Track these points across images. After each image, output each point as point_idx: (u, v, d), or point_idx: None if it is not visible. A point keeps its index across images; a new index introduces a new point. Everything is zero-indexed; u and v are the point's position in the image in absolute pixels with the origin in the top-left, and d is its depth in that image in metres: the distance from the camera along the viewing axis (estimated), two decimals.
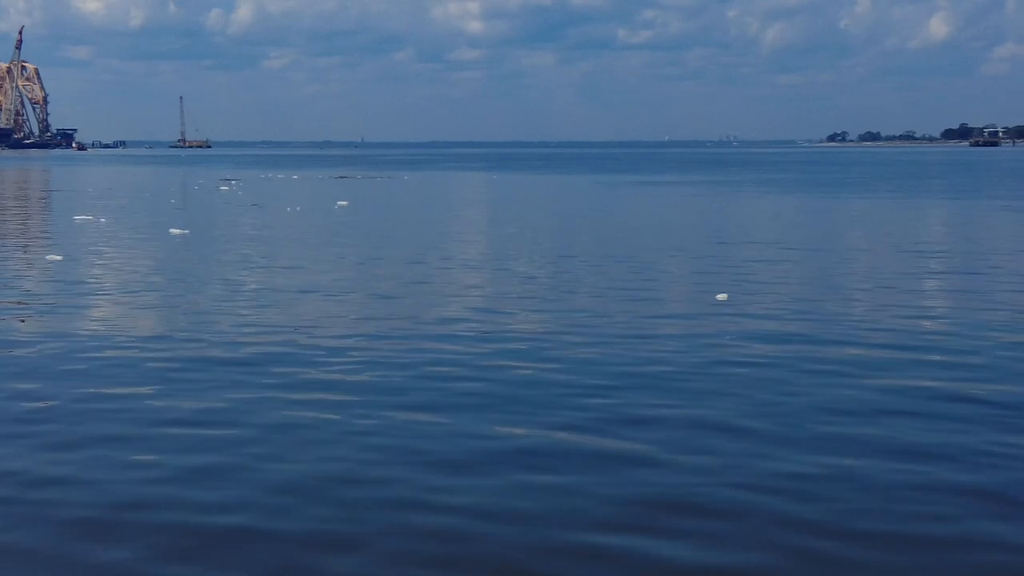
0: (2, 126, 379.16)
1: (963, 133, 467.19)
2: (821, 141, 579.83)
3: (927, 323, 22.09)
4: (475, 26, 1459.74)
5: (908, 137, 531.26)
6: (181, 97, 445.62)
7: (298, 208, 62.72)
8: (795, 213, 60.70)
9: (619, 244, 40.56)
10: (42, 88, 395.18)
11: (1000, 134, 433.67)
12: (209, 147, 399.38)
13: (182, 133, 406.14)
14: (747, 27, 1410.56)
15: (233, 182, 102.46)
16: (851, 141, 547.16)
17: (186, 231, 44.77)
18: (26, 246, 40.30)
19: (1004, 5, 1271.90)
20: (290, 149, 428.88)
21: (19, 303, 25.24)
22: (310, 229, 47.55)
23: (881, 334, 20.67)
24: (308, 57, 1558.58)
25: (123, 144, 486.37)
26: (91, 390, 16.28)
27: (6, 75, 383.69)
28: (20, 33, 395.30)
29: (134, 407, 15.25)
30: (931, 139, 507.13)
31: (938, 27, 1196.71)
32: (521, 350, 19.25)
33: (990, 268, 32.09)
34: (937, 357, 18.51)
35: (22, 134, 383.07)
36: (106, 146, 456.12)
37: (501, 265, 33.46)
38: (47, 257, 34.89)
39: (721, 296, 25.21)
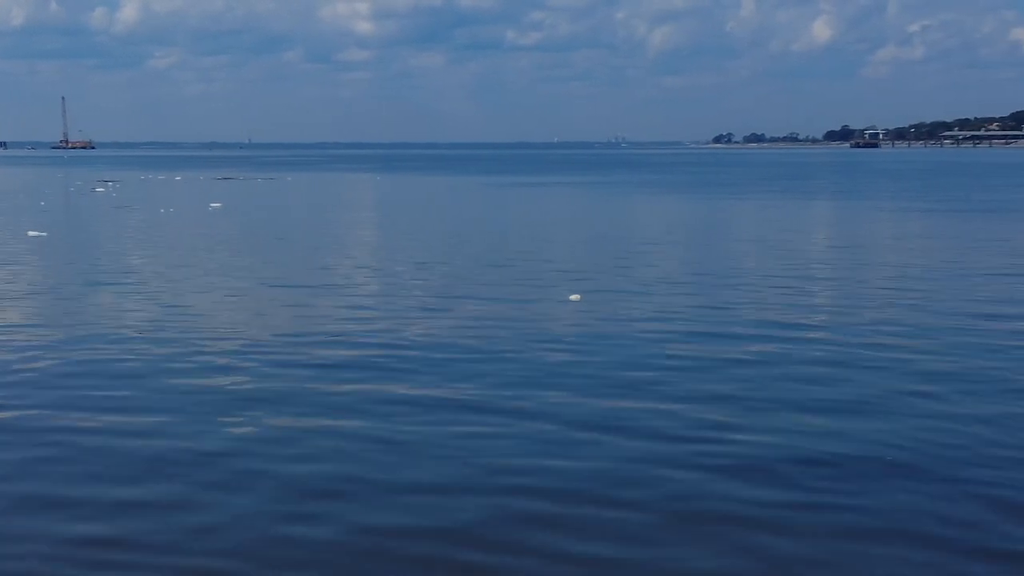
0: None
1: (845, 134, 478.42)
2: (707, 142, 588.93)
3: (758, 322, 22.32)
4: (364, 26, 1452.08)
5: (792, 138, 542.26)
6: (63, 97, 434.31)
7: (171, 210, 61.55)
8: (675, 214, 61.27)
9: (489, 243, 40.37)
10: None
11: (880, 135, 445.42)
12: (93, 148, 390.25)
13: (64, 134, 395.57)
14: (635, 29, 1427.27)
15: (111, 184, 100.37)
16: (736, 143, 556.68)
17: (44, 233, 43.63)
18: None
19: (885, 9, 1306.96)
20: (177, 150, 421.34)
21: None
22: (171, 232, 46.46)
23: (712, 339, 20.85)
24: (194, 57, 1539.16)
25: (3, 145, 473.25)
26: None
27: None
28: None
29: None
30: (814, 140, 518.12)
31: (821, 30, 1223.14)
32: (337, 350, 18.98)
33: (851, 267, 32.70)
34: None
35: None
36: None
37: (351, 268, 33.04)
38: None
39: (574, 296, 25.19)
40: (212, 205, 63.94)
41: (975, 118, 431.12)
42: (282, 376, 17.21)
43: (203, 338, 20.48)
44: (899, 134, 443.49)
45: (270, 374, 17.39)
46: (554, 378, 17.03)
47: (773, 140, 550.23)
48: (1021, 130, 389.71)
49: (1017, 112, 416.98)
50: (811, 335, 20.57)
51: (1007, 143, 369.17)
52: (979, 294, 26.25)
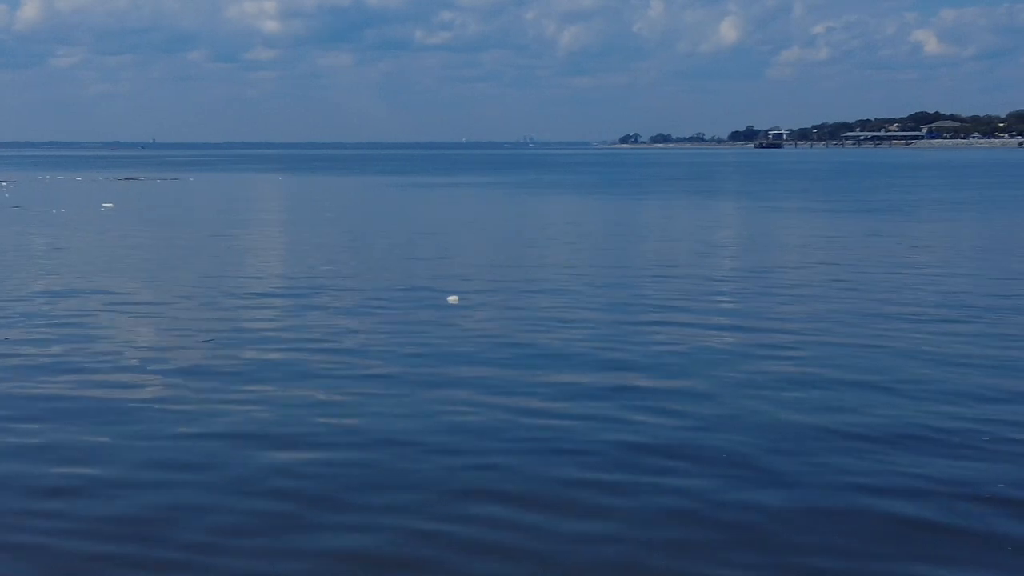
0: None
1: (749, 135, 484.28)
2: (614, 143, 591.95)
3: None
4: (271, 25, 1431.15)
5: (698, 139, 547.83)
6: None
7: (62, 210, 60.71)
8: (576, 214, 61.59)
9: (379, 243, 40.28)
10: None
11: (784, 136, 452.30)
12: None
13: None
14: (543, 29, 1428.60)
15: (4, 184, 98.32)
16: (643, 143, 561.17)
17: None
18: None
19: (791, 11, 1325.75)
20: (80, 150, 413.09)
21: None
22: (55, 232, 45.80)
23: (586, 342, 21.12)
24: (97, 56, 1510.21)
25: None
26: None
27: None
28: None
29: None
30: (719, 141, 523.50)
31: (728, 32, 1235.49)
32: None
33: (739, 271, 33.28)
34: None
35: None
36: None
37: (216, 267, 32.81)
38: None
39: (452, 298, 25.24)
40: (104, 205, 63.18)
41: (876, 119, 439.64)
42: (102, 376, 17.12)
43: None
44: (802, 134, 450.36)
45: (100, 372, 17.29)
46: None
47: (679, 140, 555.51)
48: (920, 130, 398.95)
49: (916, 113, 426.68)
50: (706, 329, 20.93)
51: (907, 143, 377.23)
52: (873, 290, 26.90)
